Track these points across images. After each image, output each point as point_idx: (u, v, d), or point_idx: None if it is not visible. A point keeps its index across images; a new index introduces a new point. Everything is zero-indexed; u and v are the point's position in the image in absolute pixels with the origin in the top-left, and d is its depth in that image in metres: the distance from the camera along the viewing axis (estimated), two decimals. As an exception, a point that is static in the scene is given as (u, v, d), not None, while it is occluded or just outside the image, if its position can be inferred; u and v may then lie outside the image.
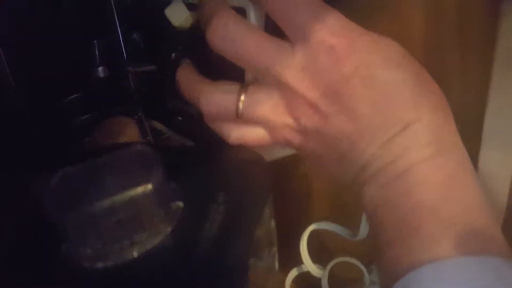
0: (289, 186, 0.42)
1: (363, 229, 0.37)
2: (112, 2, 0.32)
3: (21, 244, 0.21)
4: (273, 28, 0.26)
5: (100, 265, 0.19)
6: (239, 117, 0.26)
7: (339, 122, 0.24)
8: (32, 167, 0.31)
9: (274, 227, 0.33)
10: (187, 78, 0.28)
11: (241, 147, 0.28)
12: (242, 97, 0.25)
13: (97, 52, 0.32)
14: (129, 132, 0.30)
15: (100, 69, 0.32)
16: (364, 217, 0.38)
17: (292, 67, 0.24)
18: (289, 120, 0.25)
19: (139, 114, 0.37)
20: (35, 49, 0.31)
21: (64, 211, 0.19)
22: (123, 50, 0.32)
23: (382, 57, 0.23)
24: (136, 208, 0.19)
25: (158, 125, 0.38)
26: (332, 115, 0.24)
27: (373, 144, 0.23)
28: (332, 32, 0.23)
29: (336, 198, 0.43)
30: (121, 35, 0.32)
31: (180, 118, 0.34)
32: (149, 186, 0.19)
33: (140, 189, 0.19)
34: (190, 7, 0.28)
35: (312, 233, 0.40)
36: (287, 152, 0.33)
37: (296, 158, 0.36)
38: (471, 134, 0.34)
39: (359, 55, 0.23)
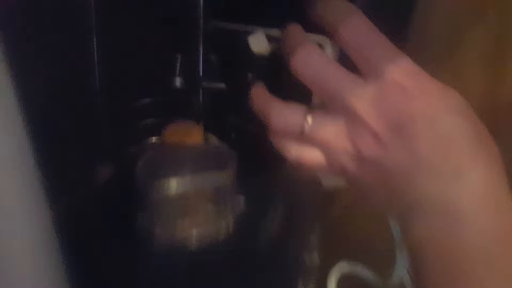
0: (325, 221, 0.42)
1: (396, 277, 0.37)
2: (201, 24, 0.36)
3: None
4: (344, 64, 0.28)
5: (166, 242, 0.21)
6: (303, 136, 0.27)
7: (398, 156, 0.25)
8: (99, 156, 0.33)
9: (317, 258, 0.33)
10: (261, 95, 0.30)
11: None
12: (309, 118, 0.27)
13: (178, 64, 0.35)
14: (195, 135, 0.32)
15: (178, 79, 0.35)
16: (398, 265, 0.37)
17: (362, 98, 0.25)
18: (349, 147, 0.26)
19: (200, 125, 0.39)
20: (126, 54, 0.35)
21: (150, 180, 0.21)
22: (200, 67, 0.36)
23: (447, 103, 0.25)
24: (209, 191, 0.21)
25: (213, 138, 0.40)
26: (393, 148, 0.25)
27: (428, 184, 0.24)
28: (404, 73, 0.25)
29: (369, 241, 0.43)
30: (202, 54, 0.35)
31: (234, 136, 0.37)
32: (224, 174, 0.21)
33: (216, 174, 0.21)
34: (270, 38, 0.32)
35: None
36: (337, 183, 0.34)
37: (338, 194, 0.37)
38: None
39: (427, 99, 0.25)
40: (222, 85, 0.36)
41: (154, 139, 0.35)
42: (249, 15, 0.35)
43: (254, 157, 0.35)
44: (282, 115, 0.28)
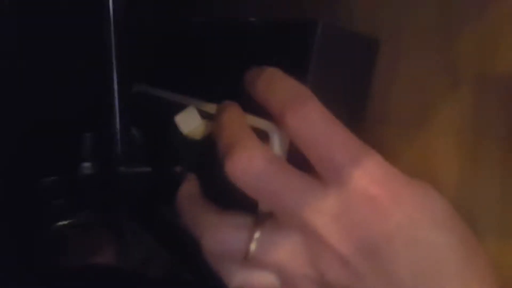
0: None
1: None
2: (115, 89, 0.29)
3: None
4: (295, 157, 0.22)
5: None
6: (248, 260, 0.21)
7: (373, 284, 0.20)
8: None
9: None
10: (191, 202, 0.23)
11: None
12: (256, 236, 0.21)
13: (86, 146, 0.27)
14: (107, 251, 0.25)
15: (86, 165, 0.27)
16: None
17: (323, 213, 0.20)
18: (310, 272, 0.21)
19: (120, 215, 0.32)
20: (22, 132, 0.27)
21: None
22: (118, 145, 0.28)
23: (428, 215, 0.20)
24: None
25: (138, 229, 0.33)
26: (365, 275, 0.20)
27: None
28: (374, 180, 0.20)
29: None
30: (119, 129, 0.28)
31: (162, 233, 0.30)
32: None
33: None
34: (205, 117, 0.25)
35: None
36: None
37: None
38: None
39: (403, 211, 0.20)
40: (147, 169, 0.28)
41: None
42: (179, 84, 0.28)
43: (187, 259, 0.28)
44: (219, 235, 0.21)
